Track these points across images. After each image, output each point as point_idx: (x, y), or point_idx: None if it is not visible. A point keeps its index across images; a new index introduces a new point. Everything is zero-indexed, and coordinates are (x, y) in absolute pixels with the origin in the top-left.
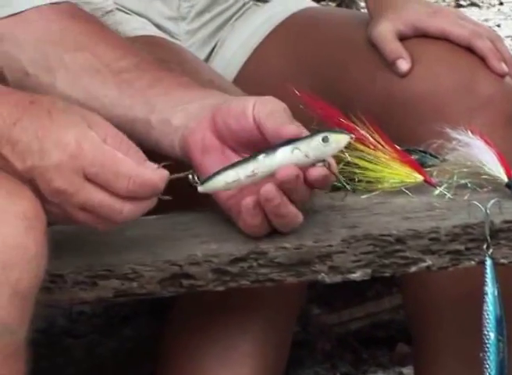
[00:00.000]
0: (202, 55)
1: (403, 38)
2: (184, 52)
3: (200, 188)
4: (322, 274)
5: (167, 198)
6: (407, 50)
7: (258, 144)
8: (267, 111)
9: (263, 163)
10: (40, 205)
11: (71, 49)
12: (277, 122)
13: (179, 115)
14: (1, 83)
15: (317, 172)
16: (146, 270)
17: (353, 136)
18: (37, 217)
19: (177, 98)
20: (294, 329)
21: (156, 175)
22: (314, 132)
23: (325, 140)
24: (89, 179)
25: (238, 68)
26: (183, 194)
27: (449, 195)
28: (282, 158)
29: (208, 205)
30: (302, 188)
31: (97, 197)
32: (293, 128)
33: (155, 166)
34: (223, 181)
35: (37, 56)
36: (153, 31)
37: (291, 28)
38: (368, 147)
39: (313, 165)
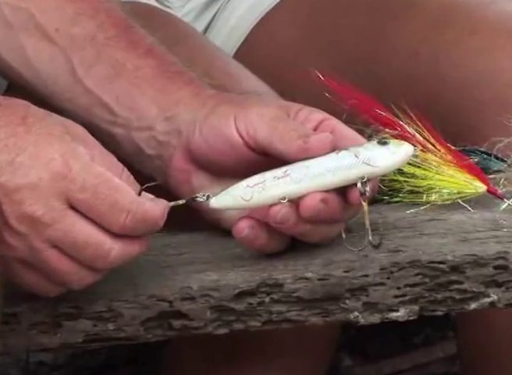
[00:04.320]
0: (200, 26)
1: None
2: (179, 24)
3: (212, 202)
4: (356, 313)
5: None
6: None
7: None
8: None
9: (299, 164)
10: None
11: None
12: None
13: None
14: None
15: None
16: (125, 307)
17: (417, 147)
18: None
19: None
20: None
21: (158, 209)
22: None
23: (381, 142)
24: (73, 207)
25: (240, 40)
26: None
27: None
28: (326, 157)
29: (206, 224)
30: (339, 210)
31: (82, 231)
32: (322, 136)
33: (151, 195)
34: (244, 184)
35: None
36: None
37: None
38: (416, 147)
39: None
